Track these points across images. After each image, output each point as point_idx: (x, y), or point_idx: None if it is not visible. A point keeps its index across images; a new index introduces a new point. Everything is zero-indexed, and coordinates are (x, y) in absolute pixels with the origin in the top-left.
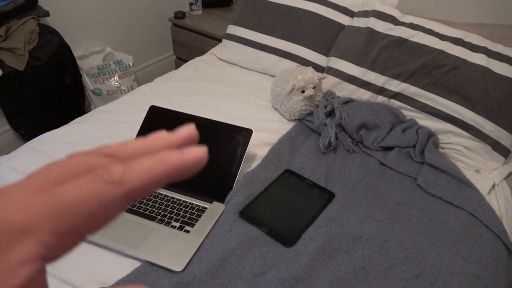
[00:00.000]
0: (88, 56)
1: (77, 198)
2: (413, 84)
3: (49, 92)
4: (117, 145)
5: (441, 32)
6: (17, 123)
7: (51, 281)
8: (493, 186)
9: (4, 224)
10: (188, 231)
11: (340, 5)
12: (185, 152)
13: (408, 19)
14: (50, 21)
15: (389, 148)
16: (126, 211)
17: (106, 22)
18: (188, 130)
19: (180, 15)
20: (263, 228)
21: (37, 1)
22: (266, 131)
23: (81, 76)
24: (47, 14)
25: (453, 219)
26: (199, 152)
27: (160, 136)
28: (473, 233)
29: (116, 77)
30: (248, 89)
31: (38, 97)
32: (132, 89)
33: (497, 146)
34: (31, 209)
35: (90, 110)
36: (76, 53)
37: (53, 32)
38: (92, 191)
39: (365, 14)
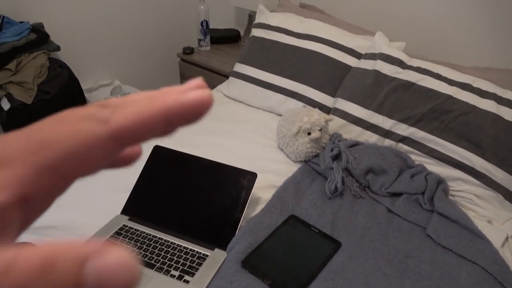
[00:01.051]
0: (97, 88)
1: (57, 134)
2: (421, 129)
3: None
4: (117, 98)
5: (449, 77)
6: None
7: None
8: (507, 238)
9: None
10: (187, 281)
11: (347, 46)
12: (185, 93)
13: (416, 62)
14: (61, 55)
15: (397, 194)
16: None
17: (115, 55)
18: (197, 81)
19: (188, 50)
20: (266, 280)
21: (49, 36)
22: (271, 173)
23: None
24: (57, 48)
25: (465, 275)
26: (202, 93)
27: (167, 89)
28: None
29: None
30: (254, 127)
31: None
32: None
33: (509, 196)
34: (8, 143)
35: None
36: (85, 85)
37: (62, 66)
38: (75, 128)
39: (372, 56)
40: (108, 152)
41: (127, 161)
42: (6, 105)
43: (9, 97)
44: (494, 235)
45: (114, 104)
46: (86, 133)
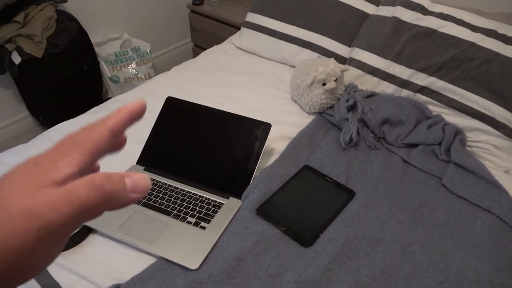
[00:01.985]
0: (106, 42)
1: (86, 136)
2: (440, 78)
3: (67, 79)
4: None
5: (473, 23)
6: (36, 110)
7: (66, 275)
8: None
9: (51, 152)
10: (204, 228)
11: None
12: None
13: (438, 8)
14: (68, 7)
15: (413, 145)
16: (142, 205)
17: (124, 8)
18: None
19: (198, 1)
20: (281, 227)
21: None
22: (285, 124)
23: (98, 63)
24: (64, 0)
25: (480, 223)
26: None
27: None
28: (501, 239)
29: (133, 65)
30: (266, 79)
31: (56, 84)
32: (150, 76)
33: None
34: (62, 144)
35: (108, 98)
36: (94, 39)
37: (71, 18)
38: (92, 131)
39: (392, 2)
40: (109, 140)
41: (119, 146)
42: (17, 59)
43: (19, 50)
44: (511, 185)
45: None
46: (98, 133)
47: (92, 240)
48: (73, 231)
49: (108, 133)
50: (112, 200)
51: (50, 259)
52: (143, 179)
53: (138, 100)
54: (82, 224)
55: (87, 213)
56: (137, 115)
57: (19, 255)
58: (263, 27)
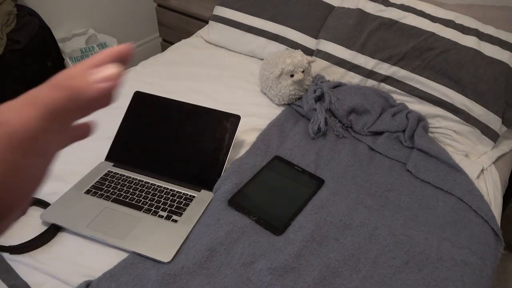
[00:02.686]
0: (71, 38)
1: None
2: (403, 68)
3: (30, 77)
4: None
5: (433, 14)
6: None
7: (35, 274)
8: (482, 170)
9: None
10: (175, 221)
11: None
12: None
13: (399, 0)
14: (28, 1)
15: (379, 133)
16: (112, 201)
17: (89, 2)
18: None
19: None
20: (252, 217)
21: None
22: (254, 116)
23: (63, 59)
24: None
25: (442, 205)
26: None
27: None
28: (462, 219)
29: None
30: (235, 72)
31: (18, 81)
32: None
33: (486, 130)
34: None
35: None
36: (58, 35)
37: (32, 13)
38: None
39: None
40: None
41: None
42: None
43: None
44: (471, 168)
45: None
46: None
47: (61, 238)
48: (55, 141)
49: (89, 68)
50: (78, 95)
51: (39, 174)
52: (109, 67)
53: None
54: (62, 130)
55: (57, 114)
56: (122, 55)
57: None
58: (230, 20)
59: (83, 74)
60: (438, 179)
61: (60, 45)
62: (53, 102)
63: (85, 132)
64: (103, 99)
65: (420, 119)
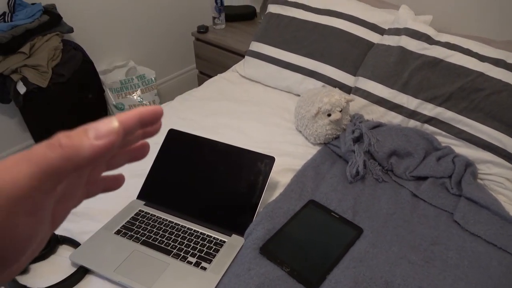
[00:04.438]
0: (112, 70)
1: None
2: (449, 109)
3: (72, 108)
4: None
5: (481, 53)
6: (41, 138)
7: None
8: None
9: None
10: (205, 268)
11: (369, 21)
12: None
13: (444, 37)
14: (74, 37)
15: (422, 178)
16: (141, 243)
17: (129, 36)
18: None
19: (203, 29)
20: (285, 268)
21: (61, 18)
22: (289, 156)
23: (103, 91)
24: (71, 30)
25: (496, 264)
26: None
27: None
28: None
29: (138, 92)
30: (270, 108)
31: (61, 112)
32: (154, 103)
33: None
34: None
35: None
36: (99, 68)
37: (76, 48)
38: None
39: (397, 32)
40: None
41: (138, 153)
42: (22, 89)
43: (25, 80)
44: None
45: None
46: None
47: (89, 282)
48: (46, 199)
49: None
50: (73, 155)
51: (29, 235)
52: (106, 123)
53: (154, 106)
54: (54, 188)
55: (50, 174)
56: (149, 117)
57: None
58: (267, 55)
59: (82, 131)
60: (490, 232)
61: (102, 77)
62: (47, 161)
63: (110, 185)
64: (113, 157)
65: (468, 165)
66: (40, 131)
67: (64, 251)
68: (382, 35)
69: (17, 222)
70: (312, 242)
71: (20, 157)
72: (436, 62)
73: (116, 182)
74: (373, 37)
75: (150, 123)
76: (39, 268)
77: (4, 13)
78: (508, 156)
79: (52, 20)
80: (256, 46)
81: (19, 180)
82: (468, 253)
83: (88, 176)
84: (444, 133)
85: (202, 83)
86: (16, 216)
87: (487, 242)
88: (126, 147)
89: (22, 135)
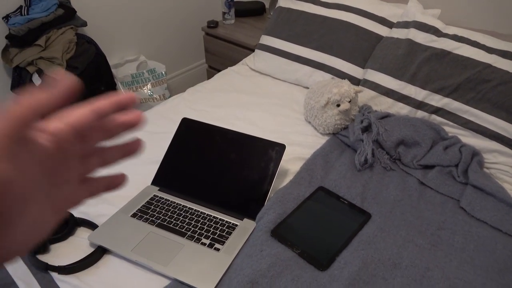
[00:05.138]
0: (123, 64)
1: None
2: (456, 99)
3: (84, 100)
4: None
5: (488, 45)
6: None
7: None
8: None
9: None
10: (218, 249)
11: (378, 15)
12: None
13: (452, 30)
14: (87, 31)
15: (429, 167)
16: (157, 226)
17: (141, 31)
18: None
19: (213, 24)
20: (296, 249)
21: (76, 12)
22: (299, 145)
23: (115, 84)
24: (84, 24)
25: (501, 247)
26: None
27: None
28: None
29: (149, 86)
30: (280, 100)
31: (74, 105)
32: (165, 97)
33: None
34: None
35: None
36: (111, 61)
37: (90, 41)
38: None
39: (405, 25)
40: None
41: (129, 148)
42: (37, 81)
43: (40, 72)
44: None
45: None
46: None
47: (107, 261)
48: (23, 152)
49: (91, 111)
50: (35, 99)
51: (15, 193)
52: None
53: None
54: (23, 135)
55: (14, 118)
56: (124, 103)
57: None
58: (277, 49)
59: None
60: (496, 218)
61: (113, 70)
62: (10, 113)
63: (112, 184)
64: (105, 151)
65: (475, 154)
66: None
67: (82, 233)
68: (391, 28)
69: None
70: (321, 226)
71: None
72: (444, 54)
73: (117, 180)
74: (382, 31)
75: (124, 106)
76: (58, 249)
77: (20, 7)
78: None
79: (67, 14)
80: (266, 40)
81: None
82: (474, 238)
83: (80, 163)
84: (451, 123)
85: (212, 77)
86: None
87: (493, 227)
88: (105, 130)
89: None
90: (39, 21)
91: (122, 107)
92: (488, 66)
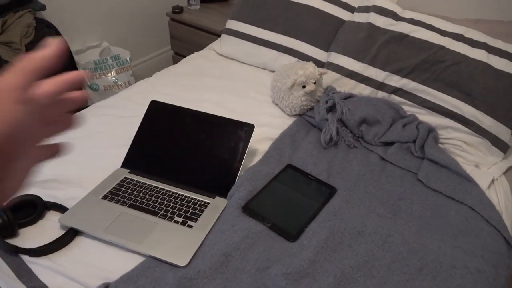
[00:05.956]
0: (85, 50)
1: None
2: (413, 80)
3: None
4: None
5: (442, 28)
6: None
7: (53, 277)
8: (492, 181)
9: None
10: (191, 226)
11: (341, 0)
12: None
13: (409, 14)
14: (47, 15)
15: (389, 143)
16: (129, 206)
17: (103, 16)
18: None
19: (178, 9)
20: (266, 223)
21: None
22: (267, 126)
23: (77, 70)
24: (43, 7)
25: (454, 214)
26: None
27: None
28: (474, 227)
29: (113, 72)
30: (248, 84)
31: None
32: (130, 84)
33: (496, 142)
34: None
35: (87, 106)
36: (73, 47)
37: (49, 26)
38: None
39: (366, 9)
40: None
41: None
42: None
43: None
44: (481, 178)
45: None
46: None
47: (79, 242)
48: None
49: (63, 82)
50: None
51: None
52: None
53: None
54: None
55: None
56: (72, 78)
57: None
58: (243, 33)
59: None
60: (449, 188)
61: (75, 57)
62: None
63: (53, 152)
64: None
65: (431, 130)
66: None
67: (52, 216)
68: (353, 12)
69: None
70: (290, 200)
71: None
72: (402, 37)
73: (55, 149)
74: (344, 15)
75: (74, 84)
76: (28, 232)
77: None
78: (466, 122)
79: None
80: (232, 24)
81: None
82: (430, 206)
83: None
84: (409, 102)
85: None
86: None
87: (447, 196)
88: (61, 105)
89: None
90: None
91: (74, 84)
92: (442, 47)
